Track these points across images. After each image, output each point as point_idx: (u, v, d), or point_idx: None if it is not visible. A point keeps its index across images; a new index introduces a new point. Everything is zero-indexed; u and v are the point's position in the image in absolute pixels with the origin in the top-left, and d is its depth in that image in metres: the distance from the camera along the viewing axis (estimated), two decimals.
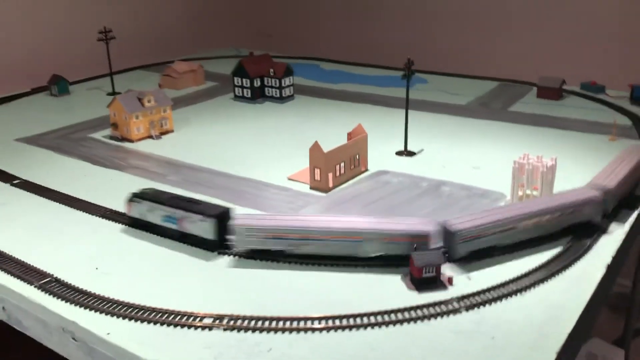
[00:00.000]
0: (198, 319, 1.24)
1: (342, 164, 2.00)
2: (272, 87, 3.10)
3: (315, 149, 1.92)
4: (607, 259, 1.48)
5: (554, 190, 1.79)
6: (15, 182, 2.06)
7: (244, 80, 3.09)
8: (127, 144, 2.48)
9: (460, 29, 4.29)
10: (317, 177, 1.95)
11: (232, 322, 1.22)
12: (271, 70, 3.08)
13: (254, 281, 1.42)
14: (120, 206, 1.83)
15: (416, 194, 1.92)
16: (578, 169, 2.06)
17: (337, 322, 1.23)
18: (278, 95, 3.09)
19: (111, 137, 2.54)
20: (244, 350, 1.16)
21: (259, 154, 2.34)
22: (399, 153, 2.30)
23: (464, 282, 1.38)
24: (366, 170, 2.13)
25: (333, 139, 2.09)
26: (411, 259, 1.36)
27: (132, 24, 4.25)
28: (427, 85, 3.40)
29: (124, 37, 4.03)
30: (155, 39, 4.35)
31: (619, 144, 2.35)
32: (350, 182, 2.03)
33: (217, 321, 1.23)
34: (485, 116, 2.75)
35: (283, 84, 3.08)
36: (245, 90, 3.11)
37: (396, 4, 4.54)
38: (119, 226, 1.73)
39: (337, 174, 1.98)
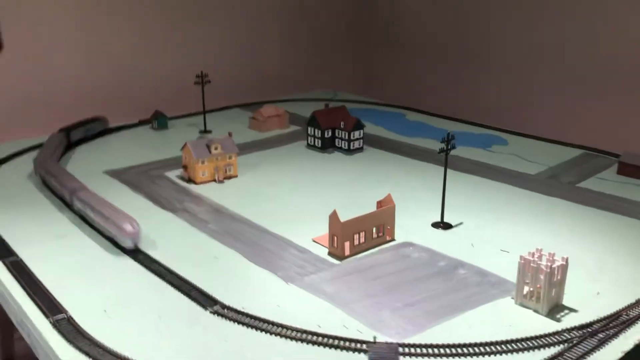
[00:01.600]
0: None
1: (363, 233, 2.05)
2: (341, 139, 3.22)
3: (333, 216, 1.99)
4: None
5: (563, 292, 1.71)
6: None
7: (315, 130, 3.24)
8: (192, 186, 2.72)
9: (557, 91, 4.13)
10: (335, 244, 2.02)
11: None
12: (342, 123, 3.20)
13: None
14: (155, 251, 2.05)
15: (429, 274, 1.92)
16: (620, 270, 1.94)
17: None
18: (346, 147, 3.20)
19: (181, 178, 2.81)
20: None
21: (302, 208, 2.46)
22: (435, 224, 2.30)
23: None
24: (392, 240, 2.16)
25: (380, 197, 2.20)
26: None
27: (235, 62, 4.60)
28: (504, 147, 3.32)
29: (225, 74, 4.39)
30: (255, 78, 4.65)
31: None
32: (371, 251, 2.08)
33: None
34: (548, 191, 2.64)
35: (352, 137, 3.18)
36: (316, 140, 3.26)
37: (497, 59, 4.47)
38: (144, 271, 1.92)
39: (357, 242, 2.04)
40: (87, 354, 1.47)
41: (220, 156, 2.77)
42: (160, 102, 4.02)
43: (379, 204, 2.18)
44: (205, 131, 3.64)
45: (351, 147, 3.20)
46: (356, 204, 2.22)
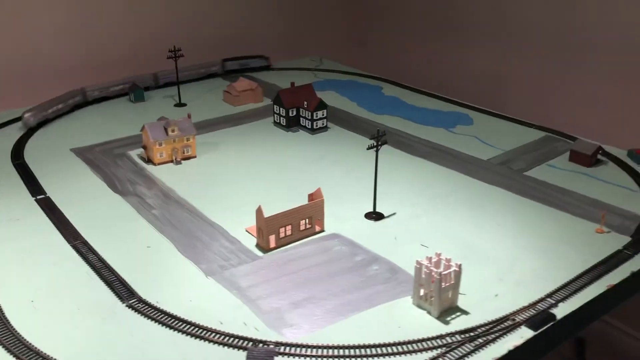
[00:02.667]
0: None
1: (289, 226, 2.16)
2: (305, 118, 3.28)
3: (258, 212, 2.10)
4: None
5: (457, 295, 1.80)
6: (38, 197, 2.51)
7: (280, 109, 3.31)
8: (149, 167, 2.84)
9: (536, 70, 4.08)
10: (261, 236, 2.13)
11: None
12: (305, 102, 3.25)
13: None
14: (95, 238, 2.19)
15: (343, 268, 2.02)
16: (530, 268, 2.01)
17: None
18: (310, 126, 3.26)
19: (141, 158, 2.92)
20: None
21: (249, 193, 2.55)
22: (368, 215, 2.39)
23: None
24: (322, 231, 2.26)
25: (329, 183, 2.38)
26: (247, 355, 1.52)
27: (219, 29, 4.62)
28: (468, 127, 3.34)
29: (208, 42, 4.44)
30: (240, 46, 4.67)
31: (607, 237, 2.21)
32: (297, 243, 2.18)
33: None
34: (492, 179, 2.68)
35: (315, 117, 3.24)
36: (281, 118, 3.32)
37: (481, 36, 4.40)
38: (80, 260, 2.07)
39: (282, 235, 2.15)
40: (4, 346, 1.62)
41: (178, 138, 2.87)
42: (140, 72, 4.11)
43: (310, 197, 2.27)
44: (180, 104, 3.73)
45: (314, 127, 3.26)
46: (304, 190, 2.30)
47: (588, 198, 2.51)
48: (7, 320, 1.73)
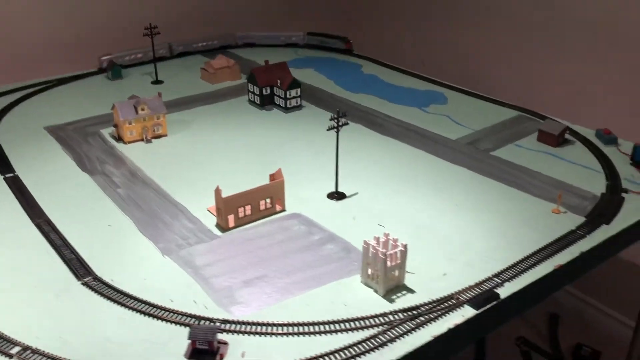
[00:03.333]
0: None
1: (249, 206, 2.19)
2: (279, 96, 3.29)
3: (217, 192, 2.13)
4: None
5: (404, 274, 1.84)
6: (7, 175, 2.54)
7: (254, 87, 3.32)
8: (120, 145, 2.86)
9: (516, 49, 4.07)
10: (220, 216, 2.17)
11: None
12: (278, 81, 3.26)
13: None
14: (58, 217, 2.23)
15: (299, 247, 2.06)
16: (482, 249, 2.05)
17: None
18: (284, 105, 3.28)
19: (113, 136, 2.95)
20: None
21: (215, 173, 2.58)
22: (330, 195, 2.42)
23: (236, 358, 1.56)
24: (283, 210, 2.30)
25: (297, 163, 2.48)
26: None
27: (203, 2, 4.60)
28: (442, 107, 3.35)
29: (190, 16, 4.42)
30: (225, 20, 4.65)
31: (562, 217, 2.24)
32: (257, 222, 2.22)
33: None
34: (458, 160, 2.70)
35: (288, 96, 3.25)
36: (255, 97, 3.34)
37: (466, 12, 4.38)
38: (42, 239, 2.11)
39: (241, 214, 2.18)
40: None
41: (148, 117, 2.89)
42: (120, 49, 4.11)
43: (271, 177, 2.30)
44: (157, 81, 3.74)
45: (288, 106, 3.27)
46: (272, 170, 2.32)
47: (551, 178, 2.54)
48: None
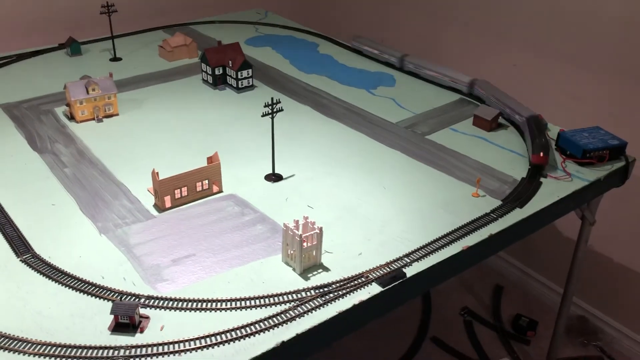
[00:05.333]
0: None
1: (185, 188, 2.32)
2: (231, 77, 3.39)
3: (153, 175, 2.25)
4: None
5: (320, 255, 2.00)
6: None
7: (207, 67, 3.41)
8: (72, 124, 2.96)
9: (465, 33, 4.18)
10: (157, 197, 2.30)
11: None
12: (230, 61, 3.35)
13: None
14: (4, 195, 2.34)
15: (229, 227, 2.21)
16: (397, 230, 2.21)
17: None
18: (235, 85, 3.38)
19: (66, 115, 3.04)
20: None
21: (160, 153, 2.71)
22: (267, 177, 2.55)
23: (155, 331, 1.72)
24: (220, 191, 2.43)
25: (241, 144, 2.64)
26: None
27: None
28: (389, 89, 3.47)
29: None
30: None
31: (480, 200, 2.40)
32: (194, 203, 2.36)
33: None
34: (394, 144, 2.84)
35: (240, 76, 3.35)
36: (208, 76, 3.43)
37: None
38: None
39: (178, 196, 2.32)
40: None
41: (99, 97, 2.99)
42: (79, 25, 4.17)
43: (209, 159, 2.43)
44: (115, 58, 3.81)
45: (239, 86, 3.38)
46: (215, 149, 2.46)
47: (477, 162, 2.69)
48: None
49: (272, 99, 2.40)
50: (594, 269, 3.84)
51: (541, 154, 2.54)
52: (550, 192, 2.47)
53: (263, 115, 2.41)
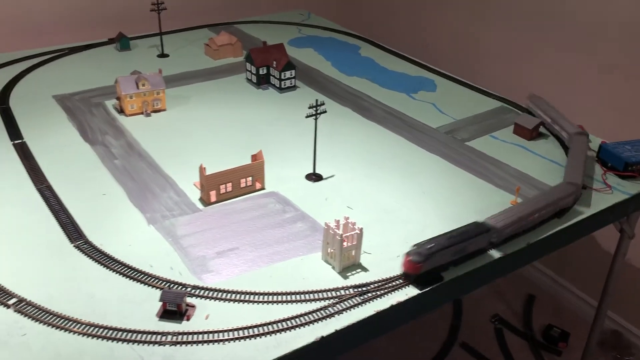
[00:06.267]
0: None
1: (230, 184, 2.40)
2: (274, 77, 3.47)
3: (201, 169, 2.34)
4: None
5: (360, 254, 2.05)
6: (16, 142, 2.78)
7: (252, 67, 3.49)
8: (121, 118, 3.08)
9: (513, 42, 4.17)
10: (203, 191, 2.38)
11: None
12: (274, 62, 3.43)
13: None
14: (59, 183, 2.46)
15: (271, 223, 2.27)
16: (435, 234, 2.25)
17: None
18: (278, 85, 3.45)
19: (115, 108, 3.16)
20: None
21: (207, 148, 2.79)
22: (308, 176, 2.61)
23: (201, 320, 1.80)
24: (262, 188, 2.51)
25: (281, 143, 2.73)
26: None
27: None
28: (429, 94, 3.50)
29: None
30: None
31: None
32: (237, 198, 2.43)
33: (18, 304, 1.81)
34: (434, 148, 2.87)
35: (283, 77, 3.43)
36: (252, 75, 3.52)
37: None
38: (41, 202, 2.34)
39: (223, 191, 2.40)
40: None
41: (148, 92, 3.09)
42: (129, 22, 4.30)
43: (253, 157, 2.50)
44: (163, 55, 3.93)
45: (282, 86, 3.45)
46: (258, 148, 2.53)
47: (517, 171, 2.71)
48: None
49: (316, 100, 2.46)
50: (630, 283, 3.80)
51: (408, 258, 1.95)
52: (589, 204, 2.47)
53: (307, 117, 2.47)
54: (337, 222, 2.03)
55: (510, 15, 4.15)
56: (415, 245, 1.99)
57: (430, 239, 1.99)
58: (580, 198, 2.49)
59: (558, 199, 2.30)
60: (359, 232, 2.01)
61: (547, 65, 3.98)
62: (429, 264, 1.92)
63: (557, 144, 2.96)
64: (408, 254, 1.94)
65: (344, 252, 2.00)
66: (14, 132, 2.86)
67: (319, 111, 2.47)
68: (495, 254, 2.14)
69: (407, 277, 1.96)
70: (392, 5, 5.14)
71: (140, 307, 1.83)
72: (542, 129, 3.05)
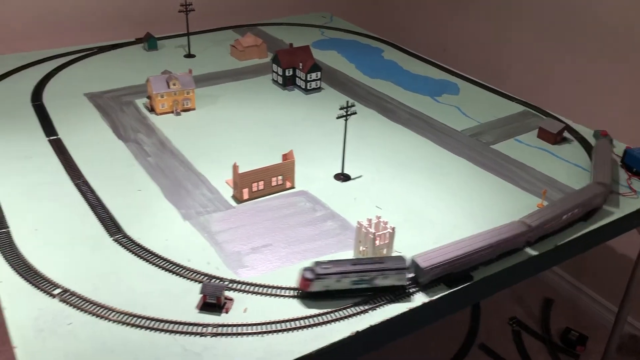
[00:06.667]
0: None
1: (262, 182, 2.46)
2: (300, 78, 3.52)
3: (234, 168, 2.40)
4: None
5: (391, 253, 2.10)
6: (51, 138, 2.85)
7: (278, 68, 3.55)
8: (152, 116, 3.14)
9: (534, 48, 4.21)
10: (236, 188, 2.44)
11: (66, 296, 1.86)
12: (300, 63, 3.48)
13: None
14: (94, 179, 2.52)
15: (302, 221, 2.33)
16: (466, 233, 2.29)
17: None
18: (304, 87, 3.51)
19: (146, 107, 3.23)
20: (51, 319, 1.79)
21: (236, 147, 2.85)
22: (336, 176, 2.67)
23: (239, 313, 1.85)
24: (292, 187, 2.56)
25: (308, 143, 2.79)
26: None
27: None
28: (453, 97, 3.54)
29: None
30: (256, 1, 4.88)
31: None
32: (269, 196, 2.49)
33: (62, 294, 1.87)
34: (459, 151, 2.92)
35: (308, 78, 3.48)
36: (279, 77, 3.57)
37: (494, 7, 4.51)
38: (79, 196, 2.41)
39: (255, 189, 2.45)
40: (11, 265, 1.99)
41: (178, 91, 3.16)
42: (157, 22, 4.38)
43: (284, 157, 2.55)
44: (189, 55, 4.00)
45: (308, 87, 3.50)
46: (286, 148, 2.60)
47: (542, 174, 2.74)
48: (15, 244, 2.09)
49: (347, 102, 2.52)
50: None
51: (302, 272, 1.91)
52: (615, 207, 2.51)
53: (338, 117, 2.52)
54: (370, 221, 2.08)
55: (535, 16, 4.18)
56: (316, 262, 1.91)
57: (335, 260, 1.93)
58: (606, 202, 2.52)
59: (589, 199, 2.33)
60: (391, 231, 2.05)
61: (570, 70, 4.01)
62: (319, 285, 1.85)
63: (581, 148, 3.00)
64: (304, 268, 1.89)
65: (376, 250, 2.05)
66: (48, 128, 2.94)
67: (349, 112, 2.52)
68: (523, 255, 2.18)
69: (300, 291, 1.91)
70: (414, 9, 5.18)
71: (180, 300, 1.89)
72: (565, 134, 3.08)
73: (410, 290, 1.96)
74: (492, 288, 2.19)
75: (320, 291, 1.88)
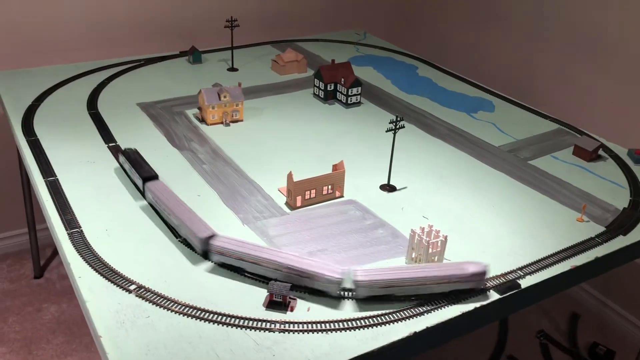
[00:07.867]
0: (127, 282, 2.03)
1: (314, 190, 2.59)
2: (341, 93, 3.67)
3: (289, 176, 2.53)
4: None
5: (442, 260, 2.21)
6: (110, 144, 3.01)
7: (320, 83, 3.70)
8: (203, 126, 3.30)
9: (565, 67, 4.32)
10: (289, 196, 2.58)
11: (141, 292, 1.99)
12: (342, 79, 3.63)
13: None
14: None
15: (353, 229, 2.46)
16: (509, 245, 2.41)
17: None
18: (345, 101, 3.65)
19: (196, 117, 3.38)
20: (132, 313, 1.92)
21: (284, 157, 2.99)
22: (382, 187, 2.79)
23: (303, 311, 1.98)
24: (341, 196, 2.69)
25: (353, 155, 2.92)
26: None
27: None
28: (489, 114, 3.67)
29: (260, 10, 4.81)
30: (289, 16, 5.04)
31: (585, 225, 2.57)
32: (320, 204, 2.62)
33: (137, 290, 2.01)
34: (498, 166, 3.04)
35: (349, 93, 3.63)
36: (320, 91, 3.72)
37: (524, 26, 4.64)
38: (142, 200, 2.56)
39: (307, 197, 2.59)
40: (88, 262, 2.13)
41: (228, 103, 3.31)
42: (200, 36, 4.56)
43: (334, 167, 2.69)
44: (232, 69, 4.16)
45: (348, 102, 3.65)
46: (331, 159, 2.75)
47: (580, 190, 2.85)
48: (88, 242, 2.24)
49: (396, 116, 2.65)
50: None
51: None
52: None
53: (387, 131, 2.66)
54: (422, 229, 2.21)
55: (565, 34, 4.31)
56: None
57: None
58: None
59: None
60: (443, 239, 2.17)
61: (603, 90, 4.12)
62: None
63: (616, 166, 3.10)
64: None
65: (429, 257, 2.17)
66: (107, 135, 3.10)
67: (398, 126, 2.65)
68: (566, 265, 2.29)
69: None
70: (445, 27, 5.33)
71: (246, 298, 2.01)
72: (600, 152, 3.19)
73: (463, 296, 2.08)
74: (541, 295, 2.29)
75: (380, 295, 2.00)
